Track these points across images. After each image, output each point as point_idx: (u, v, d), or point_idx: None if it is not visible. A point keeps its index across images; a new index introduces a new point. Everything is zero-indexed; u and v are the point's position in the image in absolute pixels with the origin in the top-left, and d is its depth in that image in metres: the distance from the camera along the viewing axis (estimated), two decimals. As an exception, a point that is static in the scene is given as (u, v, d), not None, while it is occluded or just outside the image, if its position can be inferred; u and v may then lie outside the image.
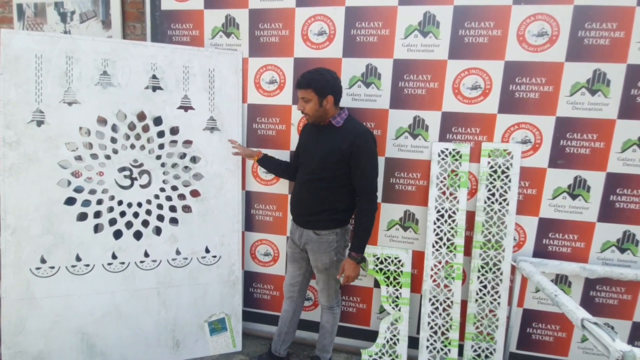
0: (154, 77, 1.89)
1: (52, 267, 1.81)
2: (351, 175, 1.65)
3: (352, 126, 1.66)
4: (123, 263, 1.91)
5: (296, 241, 1.78)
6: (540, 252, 1.89)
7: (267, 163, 1.92)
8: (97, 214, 1.86)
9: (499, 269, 1.89)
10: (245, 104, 2.08)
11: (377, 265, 2.00)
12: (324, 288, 1.81)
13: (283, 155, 2.05)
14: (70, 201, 1.81)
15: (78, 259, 1.84)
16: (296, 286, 1.86)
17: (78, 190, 1.83)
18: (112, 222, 1.88)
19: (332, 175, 1.65)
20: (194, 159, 1.99)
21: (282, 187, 2.10)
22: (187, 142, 1.97)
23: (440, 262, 1.93)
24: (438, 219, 1.92)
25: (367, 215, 1.65)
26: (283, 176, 1.97)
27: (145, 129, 1.89)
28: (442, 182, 1.91)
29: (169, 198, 1.96)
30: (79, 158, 1.82)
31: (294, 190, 1.80)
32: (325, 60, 1.93)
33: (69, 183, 1.81)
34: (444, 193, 1.91)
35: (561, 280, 1.90)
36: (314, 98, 1.60)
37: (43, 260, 1.80)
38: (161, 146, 1.93)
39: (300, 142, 1.83)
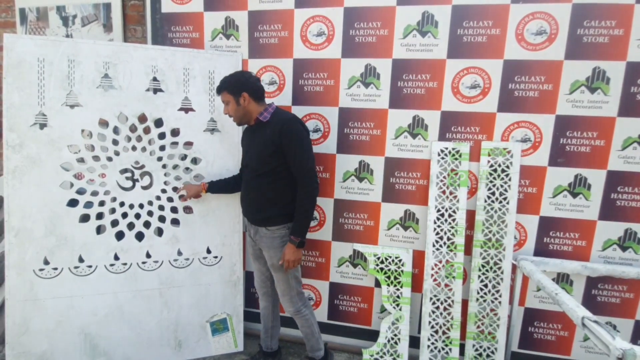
0: (154, 79, 1.90)
1: (55, 269, 1.83)
2: (288, 164, 1.65)
3: (278, 117, 1.67)
4: (125, 264, 1.92)
5: (253, 238, 1.80)
6: (541, 250, 1.89)
7: (217, 187, 1.92)
8: (99, 216, 1.88)
9: (499, 268, 1.88)
10: (245, 105, 2.09)
11: (377, 265, 2.01)
12: (285, 289, 1.76)
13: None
14: (72, 203, 1.83)
15: (81, 260, 1.86)
16: (267, 281, 1.88)
17: (80, 192, 1.84)
18: (114, 223, 1.89)
19: (271, 169, 1.65)
20: (194, 160, 2.01)
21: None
22: (188, 144, 1.98)
23: (440, 262, 1.93)
24: (438, 218, 1.92)
25: (305, 198, 1.63)
26: (236, 190, 1.93)
27: (147, 130, 1.91)
28: (442, 181, 1.91)
29: (170, 199, 1.97)
30: (81, 160, 1.83)
31: (242, 191, 1.82)
32: (324, 61, 1.94)
33: (72, 185, 1.83)
34: (444, 192, 1.91)
35: (563, 279, 1.90)
36: (230, 99, 1.66)
37: (46, 262, 1.82)
38: (162, 148, 1.94)
39: (242, 146, 1.87)
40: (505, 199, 1.86)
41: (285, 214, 1.70)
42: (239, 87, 1.64)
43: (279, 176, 1.66)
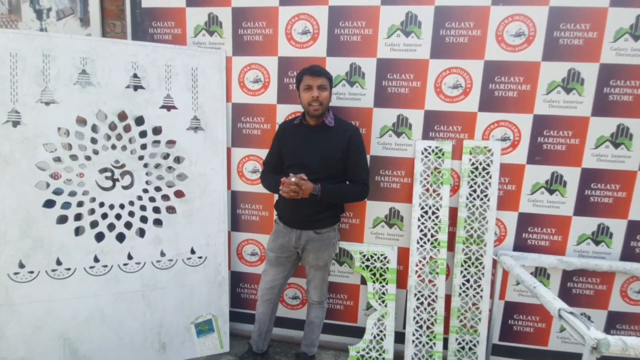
0: (135, 76, 1.85)
1: (32, 272, 1.76)
2: (346, 170, 1.73)
3: (343, 125, 1.75)
4: (106, 266, 1.87)
5: (292, 244, 1.76)
6: (520, 246, 1.95)
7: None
8: (78, 217, 1.82)
9: (481, 263, 1.94)
10: (229, 103, 2.06)
11: (363, 263, 2.03)
12: (318, 284, 1.84)
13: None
14: (49, 204, 1.76)
15: (58, 262, 1.80)
16: (276, 289, 1.85)
17: (57, 192, 1.78)
18: (94, 224, 1.84)
19: (333, 174, 1.70)
20: (177, 159, 1.97)
21: (268, 186, 2.09)
22: (171, 142, 1.94)
23: (424, 258, 1.97)
24: (422, 216, 1.95)
25: (357, 191, 1.73)
26: None
27: (127, 129, 1.86)
28: (425, 179, 1.94)
29: (152, 199, 1.93)
30: (57, 159, 1.77)
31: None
32: (309, 60, 1.93)
33: (48, 185, 1.76)
34: (427, 190, 1.95)
35: (540, 273, 1.96)
36: (328, 88, 1.67)
37: (21, 265, 1.75)
38: (143, 146, 1.89)
39: (285, 144, 1.77)
40: (486, 196, 1.91)
41: (335, 215, 1.79)
42: (332, 81, 1.73)
43: (336, 180, 1.71)
